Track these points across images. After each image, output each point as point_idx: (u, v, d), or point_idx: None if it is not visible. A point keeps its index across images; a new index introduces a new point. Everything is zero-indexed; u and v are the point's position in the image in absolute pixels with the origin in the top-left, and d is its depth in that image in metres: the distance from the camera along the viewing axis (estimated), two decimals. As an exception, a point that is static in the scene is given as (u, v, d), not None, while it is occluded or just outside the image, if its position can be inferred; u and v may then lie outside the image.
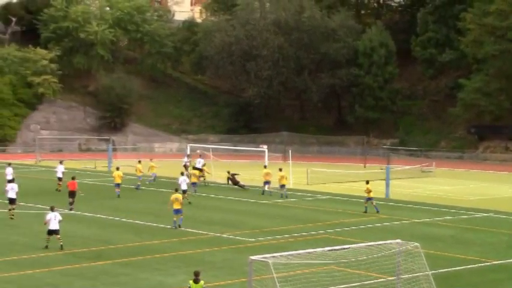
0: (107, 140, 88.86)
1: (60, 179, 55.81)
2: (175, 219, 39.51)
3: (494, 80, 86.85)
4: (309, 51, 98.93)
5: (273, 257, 22.91)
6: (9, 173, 53.19)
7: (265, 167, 56.65)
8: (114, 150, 79.63)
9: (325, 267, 27.30)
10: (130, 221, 42.13)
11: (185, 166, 62.05)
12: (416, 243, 25.96)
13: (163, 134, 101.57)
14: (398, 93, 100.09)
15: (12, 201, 42.36)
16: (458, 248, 35.84)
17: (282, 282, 23.21)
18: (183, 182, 49.01)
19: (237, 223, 42.05)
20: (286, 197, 52.78)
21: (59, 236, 33.82)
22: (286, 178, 54.11)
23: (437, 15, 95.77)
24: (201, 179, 59.28)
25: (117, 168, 55.05)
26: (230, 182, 59.42)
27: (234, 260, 32.00)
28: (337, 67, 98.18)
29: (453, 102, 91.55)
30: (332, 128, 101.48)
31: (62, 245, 33.70)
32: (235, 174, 59.99)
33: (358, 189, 58.67)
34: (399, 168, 68.41)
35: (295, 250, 24.83)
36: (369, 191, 46.42)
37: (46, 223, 34.18)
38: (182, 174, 50.88)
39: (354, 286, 27.14)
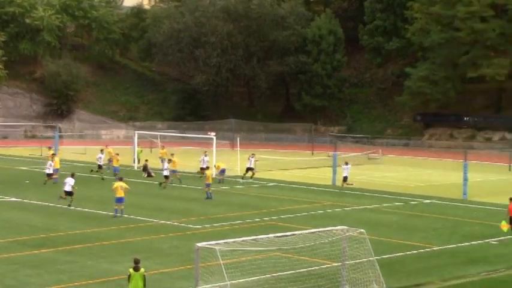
0: (53, 127, 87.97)
1: (100, 166, 56.23)
2: (116, 207, 39.33)
3: (440, 69, 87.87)
4: (258, 39, 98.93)
5: (220, 244, 23.02)
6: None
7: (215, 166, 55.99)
8: (61, 137, 78.90)
9: (271, 254, 27.47)
10: (79, 209, 41.77)
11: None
12: (361, 230, 26.25)
13: (110, 121, 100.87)
14: (345, 81, 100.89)
15: None
16: (403, 234, 36.31)
17: (228, 269, 23.30)
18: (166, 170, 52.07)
19: (185, 210, 42.05)
20: (223, 182, 53.98)
21: (71, 198, 41.82)
22: (217, 167, 54.98)
23: (384, 4, 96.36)
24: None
25: (54, 154, 54.72)
26: (143, 171, 58.39)
27: (181, 247, 32.02)
28: (285, 55, 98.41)
29: (400, 90, 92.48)
30: (280, 116, 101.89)
31: (69, 205, 41.56)
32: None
33: (305, 176, 59.13)
34: (346, 155, 68.83)
35: (242, 237, 24.93)
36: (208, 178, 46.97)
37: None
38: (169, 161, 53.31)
39: (299, 272, 27.33)
